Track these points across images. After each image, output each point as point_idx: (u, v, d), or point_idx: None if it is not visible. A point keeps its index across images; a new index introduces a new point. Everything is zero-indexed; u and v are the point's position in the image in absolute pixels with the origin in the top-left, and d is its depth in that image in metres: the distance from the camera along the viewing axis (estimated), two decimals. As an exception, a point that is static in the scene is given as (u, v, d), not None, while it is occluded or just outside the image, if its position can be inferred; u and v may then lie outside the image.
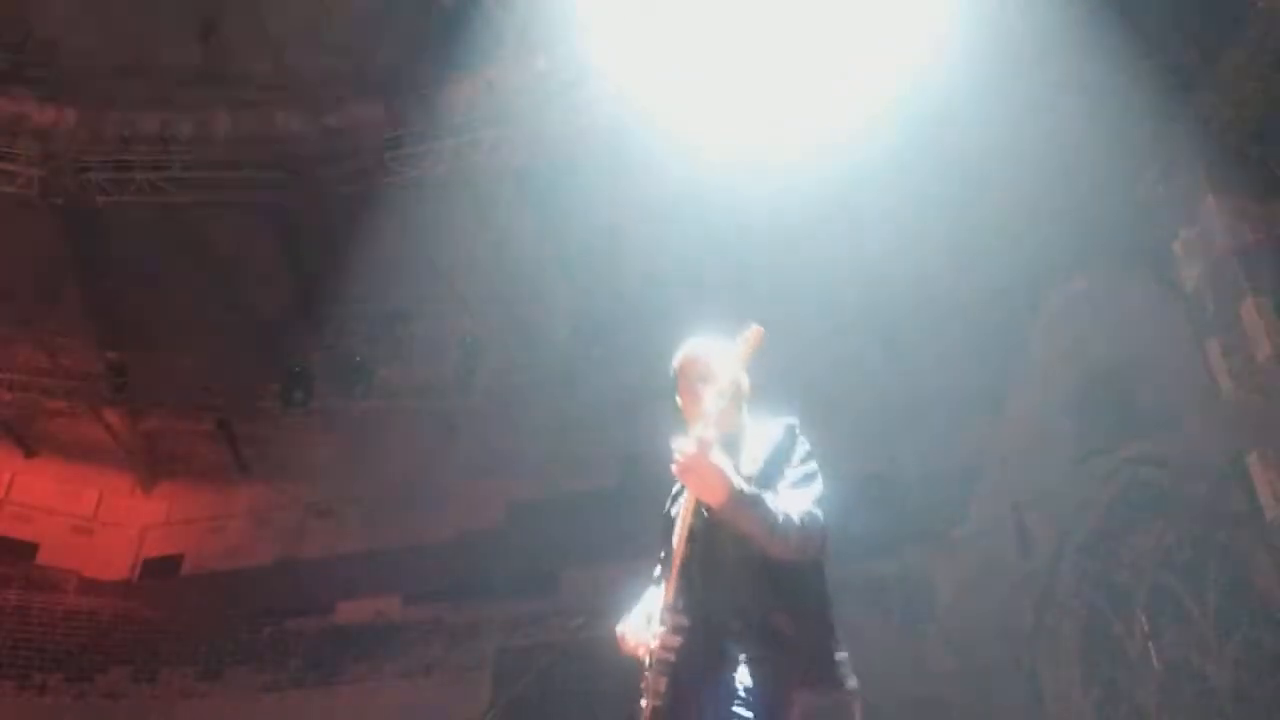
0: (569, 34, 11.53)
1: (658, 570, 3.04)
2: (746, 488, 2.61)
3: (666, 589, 2.72)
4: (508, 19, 12.34)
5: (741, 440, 2.91)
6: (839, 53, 10.84)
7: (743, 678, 2.58)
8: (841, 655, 2.78)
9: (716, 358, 3.01)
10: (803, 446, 2.89)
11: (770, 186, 12.80)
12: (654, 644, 2.68)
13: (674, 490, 3.10)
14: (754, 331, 2.88)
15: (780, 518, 2.59)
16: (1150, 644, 9.48)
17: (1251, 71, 8.95)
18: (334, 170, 12.49)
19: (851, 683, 2.77)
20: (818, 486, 2.78)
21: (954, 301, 13.80)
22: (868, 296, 14.28)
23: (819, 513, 2.70)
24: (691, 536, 2.73)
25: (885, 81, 11.31)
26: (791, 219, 13.92)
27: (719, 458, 2.59)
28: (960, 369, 13.68)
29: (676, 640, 2.63)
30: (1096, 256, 11.51)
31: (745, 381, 3.02)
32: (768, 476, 2.78)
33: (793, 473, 2.80)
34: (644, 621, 2.83)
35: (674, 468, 2.62)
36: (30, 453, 16.96)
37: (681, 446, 2.60)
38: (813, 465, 2.85)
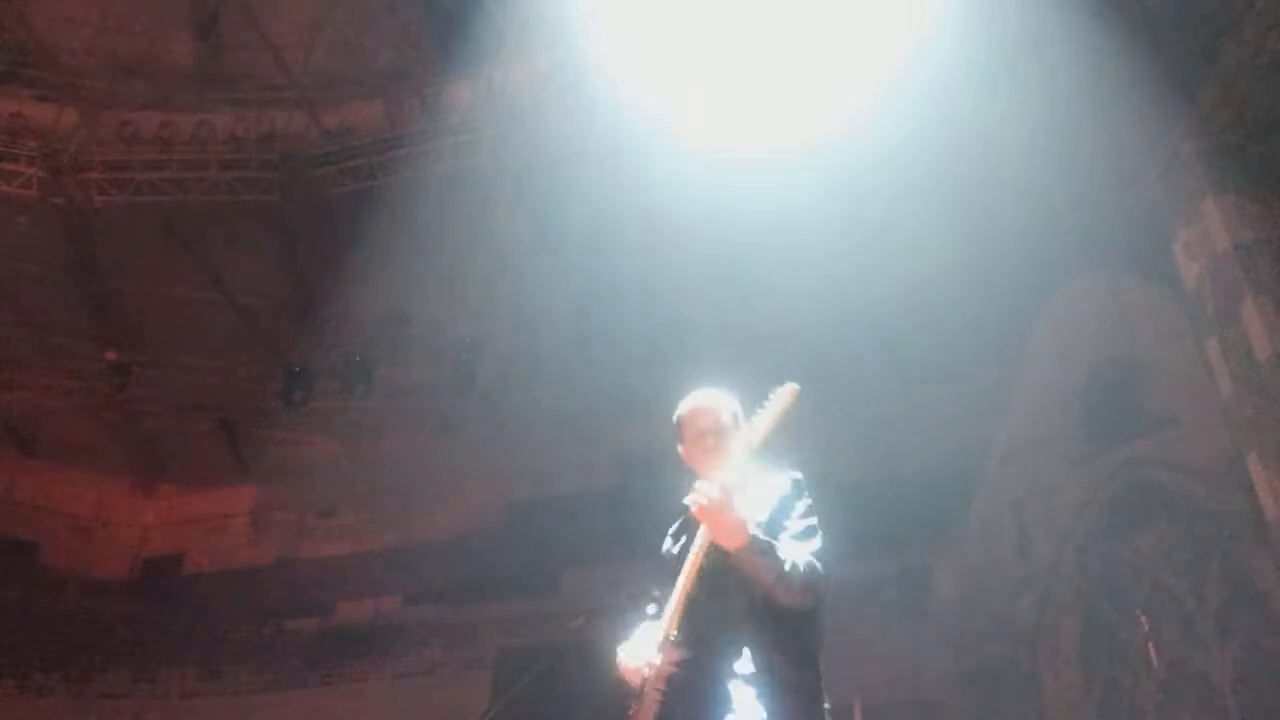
0: (569, 34, 11.53)
1: (652, 607, 3.14)
2: (761, 535, 2.75)
3: (670, 621, 2.80)
4: (508, 19, 12.35)
5: (746, 486, 2.97)
6: (837, 52, 10.84)
7: (742, 716, 2.65)
8: (826, 705, 2.87)
9: (724, 408, 3.14)
10: (805, 501, 3.01)
11: (770, 187, 12.80)
12: (650, 673, 2.75)
13: (672, 529, 3.22)
14: (789, 390, 2.96)
15: (788, 566, 2.72)
16: (1150, 644, 9.48)
17: (1251, 71, 8.95)
18: (334, 170, 12.48)
19: None
20: (818, 540, 2.91)
21: (954, 301, 13.80)
22: (868, 296, 14.28)
23: (820, 565, 2.82)
24: (700, 575, 2.82)
25: (884, 81, 11.32)
26: (791, 219, 13.92)
27: (739, 505, 2.73)
28: (960, 369, 13.68)
29: (674, 671, 2.72)
30: (1097, 256, 11.51)
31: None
32: (773, 526, 2.90)
33: (794, 524, 2.92)
34: (642, 650, 2.88)
35: (694, 509, 2.73)
36: (30, 453, 16.95)
37: (705, 490, 2.71)
38: (814, 520, 2.97)
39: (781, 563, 2.72)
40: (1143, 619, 9.38)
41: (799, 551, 2.80)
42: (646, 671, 2.77)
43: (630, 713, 2.75)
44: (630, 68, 11.28)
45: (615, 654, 2.97)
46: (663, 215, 14.17)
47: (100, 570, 17.16)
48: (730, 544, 2.71)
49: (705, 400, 3.18)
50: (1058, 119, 12.70)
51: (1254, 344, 8.40)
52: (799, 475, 3.06)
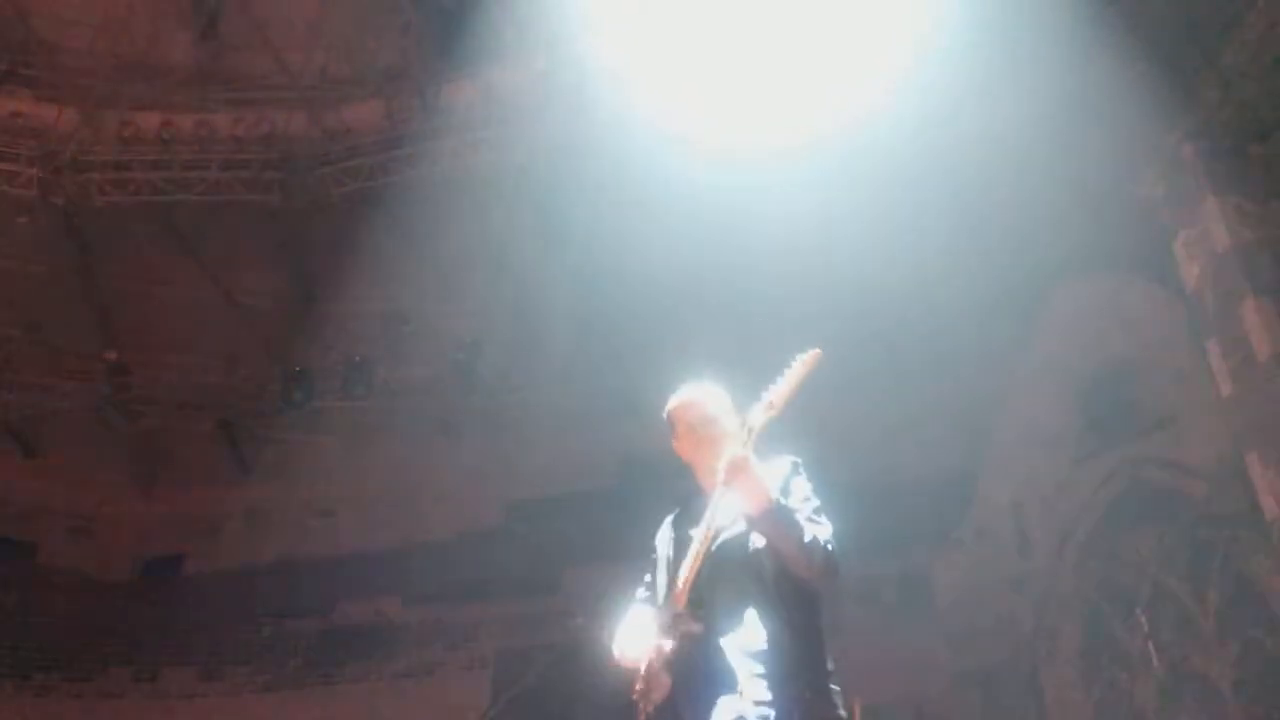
0: (569, 34, 11.53)
1: (643, 591, 3.18)
2: (784, 500, 2.75)
3: (677, 597, 2.79)
4: (508, 19, 12.34)
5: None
6: (838, 55, 10.85)
7: (745, 694, 2.63)
8: (835, 686, 2.84)
9: (710, 399, 3.15)
10: (808, 483, 3.00)
11: (770, 188, 12.80)
12: (657, 649, 2.72)
13: (670, 518, 3.25)
14: (812, 354, 2.92)
15: (809, 537, 2.73)
16: (1150, 644, 9.49)
17: (1251, 71, 8.96)
18: (334, 170, 12.48)
19: (841, 714, 2.81)
20: (827, 522, 2.89)
21: (955, 302, 13.81)
22: (869, 298, 14.28)
23: (834, 545, 2.82)
24: (706, 553, 2.80)
25: (885, 84, 11.32)
26: (792, 220, 13.92)
27: (762, 470, 2.73)
28: (961, 370, 13.69)
29: (679, 651, 2.69)
30: (1097, 257, 11.52)
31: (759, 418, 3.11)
32: None
33: (803, 506, 2.90)
34: (642, 635, 2.87)
35: (723, 470, 2.72)
36: (30, 453, 16.95)
37: (733, 451, 2.72)
38: (819, 502, 2.96)
39: (804, 532, 2.72)
40: (1143, 619, 9.40)
41: (815, 529, 2.80)
42: (653, 653, 2.75)
43: (635, 694, 2.73)
44: (630, 67, 11.29)
45: (611, 641, 2.96)
46: (662, 216, 14.18)
47: (100, 570, 17.15)
48: (755, 505, 2.71)
49: (692, 393, 3.19)
50: (1059, 120, 12.71)
51: (1254, 344, 8.40)
52: (798, 459, 3.05)
